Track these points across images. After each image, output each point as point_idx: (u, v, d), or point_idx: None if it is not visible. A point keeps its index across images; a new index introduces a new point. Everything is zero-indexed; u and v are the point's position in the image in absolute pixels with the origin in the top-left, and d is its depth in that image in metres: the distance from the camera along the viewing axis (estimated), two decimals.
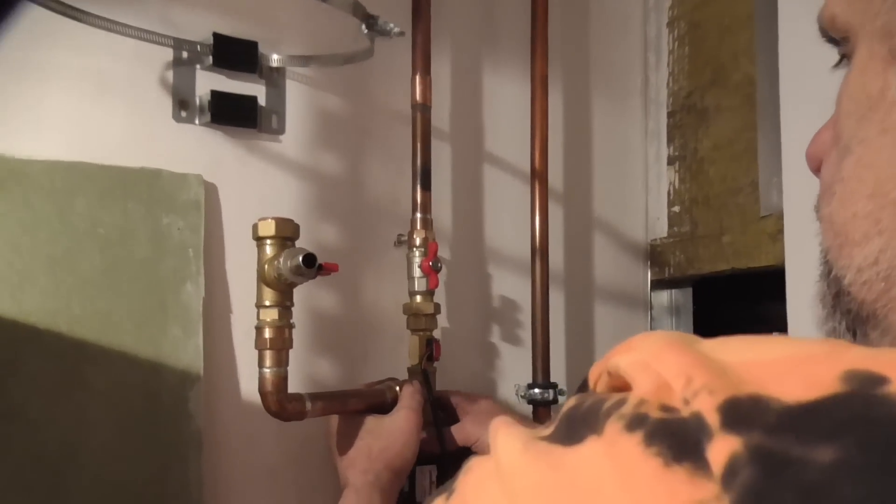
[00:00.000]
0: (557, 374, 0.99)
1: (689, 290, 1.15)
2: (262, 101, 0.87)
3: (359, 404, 0.78)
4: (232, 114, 0.85)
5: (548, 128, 1.00)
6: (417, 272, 0.87)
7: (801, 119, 0.92)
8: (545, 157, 0.99)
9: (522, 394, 0.95)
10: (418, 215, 0.89)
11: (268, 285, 0.68)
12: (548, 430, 0.25)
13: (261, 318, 0.69)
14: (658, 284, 1.16)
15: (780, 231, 0.94)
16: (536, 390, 0.94)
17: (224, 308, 0.83)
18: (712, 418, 0.21)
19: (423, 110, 0.90)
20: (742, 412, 0.21)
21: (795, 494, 0.19)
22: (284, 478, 0.85)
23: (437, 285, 0.86)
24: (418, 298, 0.87)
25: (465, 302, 0.99)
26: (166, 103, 0.83)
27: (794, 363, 0.22)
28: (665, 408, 0.22)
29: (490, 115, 1.04)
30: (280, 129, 0.89)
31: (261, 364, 0.68)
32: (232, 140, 0.86)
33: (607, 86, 1.16)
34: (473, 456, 0.27)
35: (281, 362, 0.68)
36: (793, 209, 0.94)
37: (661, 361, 0.24)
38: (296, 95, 0.90)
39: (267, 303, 0.68)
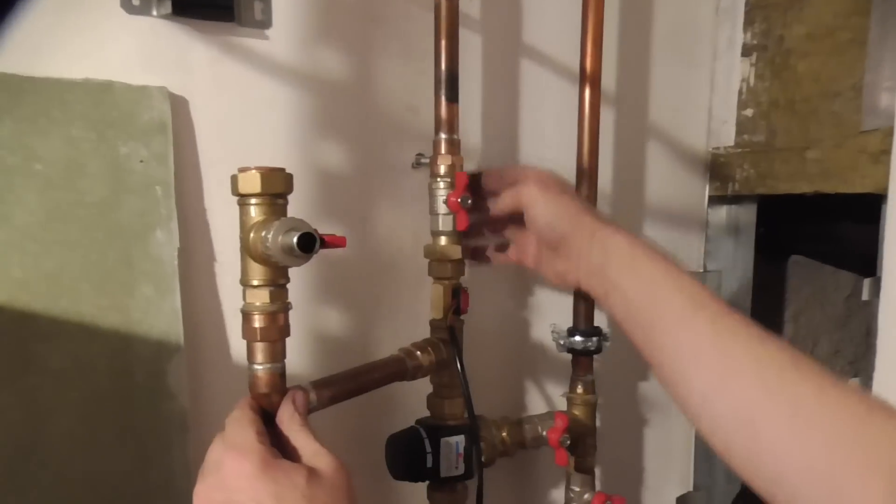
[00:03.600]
0: (602, 316, 0.85)
1: (754, 207, 0.99)
2: None
3: (374, 381, 0.64)
4: (201, 1, 0.65)
5: (603, 11, 0.78)
6: (442, 208, 0.70)
7: None
8: (599, 53, 0.78)
9: (562, 341, 0.81)
10: (443, 135, 0.70)
11: (254, 259, 0.51)
12: None
13: (247, 300, 0.52)
14: (717, 200, 0.99)
15: (886, 151, 0.77)
16: (578, 337, 0.80)
17: (206, 256, 0.68)
18: None
19: None
20: None
21: None
22: None
23: (466, 226, 0.70)
24: (443, 240, 0.71)
25: None
26: None
27: None
28: None
29: None
30: (266, 22, 0.69)
31: (250, 359, 0.53)
32: (203, 37, 0.66)
33: None
34: None
35: (276, 356, 0.53)
36: None
37: None
38: None
39: (255, 282, 0.52)
